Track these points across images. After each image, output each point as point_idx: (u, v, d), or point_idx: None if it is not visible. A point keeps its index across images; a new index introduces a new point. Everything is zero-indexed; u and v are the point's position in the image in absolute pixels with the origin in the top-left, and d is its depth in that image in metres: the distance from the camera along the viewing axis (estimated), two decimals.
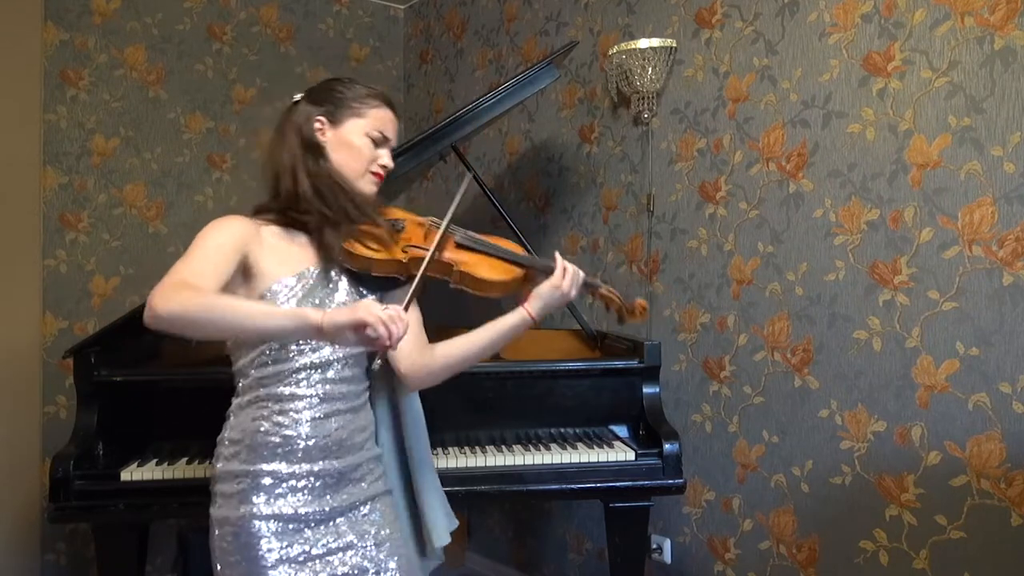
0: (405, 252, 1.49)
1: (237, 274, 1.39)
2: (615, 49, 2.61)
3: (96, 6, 3.15)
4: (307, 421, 1.40)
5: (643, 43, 2.56)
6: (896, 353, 2.10)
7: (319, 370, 1.42)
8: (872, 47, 2.15)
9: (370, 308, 1.21)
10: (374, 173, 1.50)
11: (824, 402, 2.26)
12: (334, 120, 1.48)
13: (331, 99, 1.49)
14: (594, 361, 2.41)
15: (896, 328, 2.10)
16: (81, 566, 3.07)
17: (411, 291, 1.40)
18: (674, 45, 2.61)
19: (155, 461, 2.05)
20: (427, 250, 1.47)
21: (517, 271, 1.55)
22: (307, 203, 1.44)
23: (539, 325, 1.56)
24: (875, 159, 2.14)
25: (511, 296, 1.57)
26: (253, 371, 1.43)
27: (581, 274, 1.54)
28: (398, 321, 1.22)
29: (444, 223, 1.51)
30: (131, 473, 1.98)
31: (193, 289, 1.24)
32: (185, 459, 2.06)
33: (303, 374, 1.41)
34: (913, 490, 2.07)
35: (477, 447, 2.17)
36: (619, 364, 2.26)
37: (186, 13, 3.36)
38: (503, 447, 2.17)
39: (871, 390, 2.15)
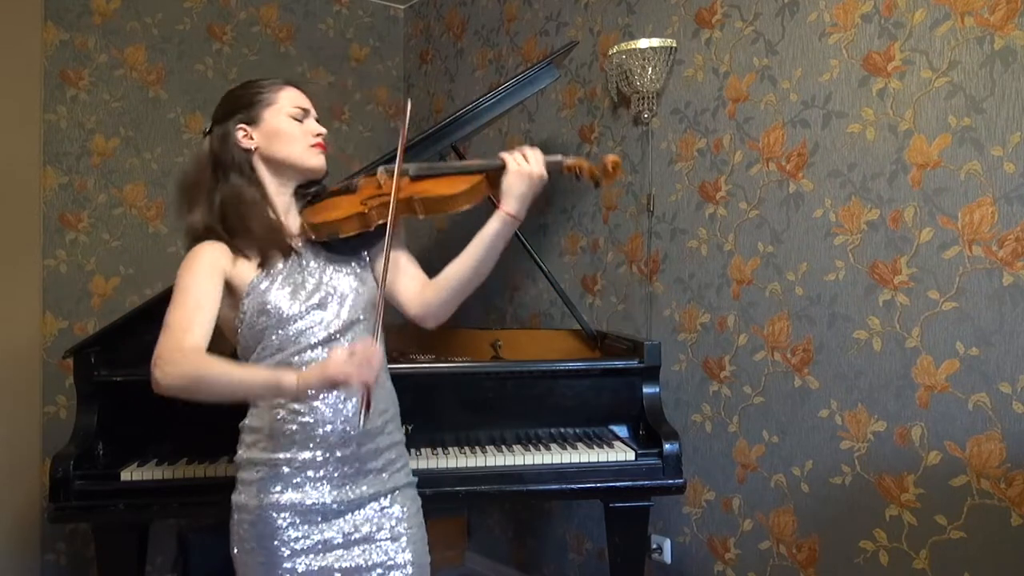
0: (364, 204, 1.48)
1: (225, 293, 1.42)
2: (615, 49, 2.61)
3: (96, 6, 3.15)
4: (324, 406, 1.41)
5: (643, 43, 2.56)
6: (896, 353, 2.10)
7: (326, 347, 1.43)
8: (872, 47, 2.15)
9: (338, 364, 1.22)
10: (315, 145, 1.49)
11: (824, 402, 2.26)
12: (252, 120, 1.47)
13: (239, 105, 1.48)
14: (594, 361, 2.41)
15: (896, 328, 2.10)
16: (81, 566, 3.07)
17: (384, 272, 1.40)
18: (674, 45, 2.61)
19: (155, 461, 2.05)
20: (386, 195, 1.46)
21: (476, 177, 1.50)
22: (226, 230, 1.45)
23: (524, 224, 1.51)
24: (875, 159, 2.14)
25: (483, 204, 1.53)
26: (267, 359, 1.44)
27: (539, 152, 1.48)
28: (370, 360, 1.23)
29: (396, 167, 1.49)
30: (131, 473, 1.98)
31: (181, 362, 1.30)
32: (185, 459, 2.06)
33: (310, 355, 1.42)
34: (913, 490, 2.07)
35: (477, 447, 2.17)
36: (619, 364, 2.26)
37: (186, 13, 3.36)
38: (503, 447, 2.17)
39: (871, 390, 2.15)
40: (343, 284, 1.48)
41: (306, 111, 1.51)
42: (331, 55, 3.76)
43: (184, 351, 1.31)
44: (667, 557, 2.69)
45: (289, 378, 1.25)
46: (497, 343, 2.62)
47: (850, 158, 2.20)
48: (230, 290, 1.43)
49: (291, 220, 1.52)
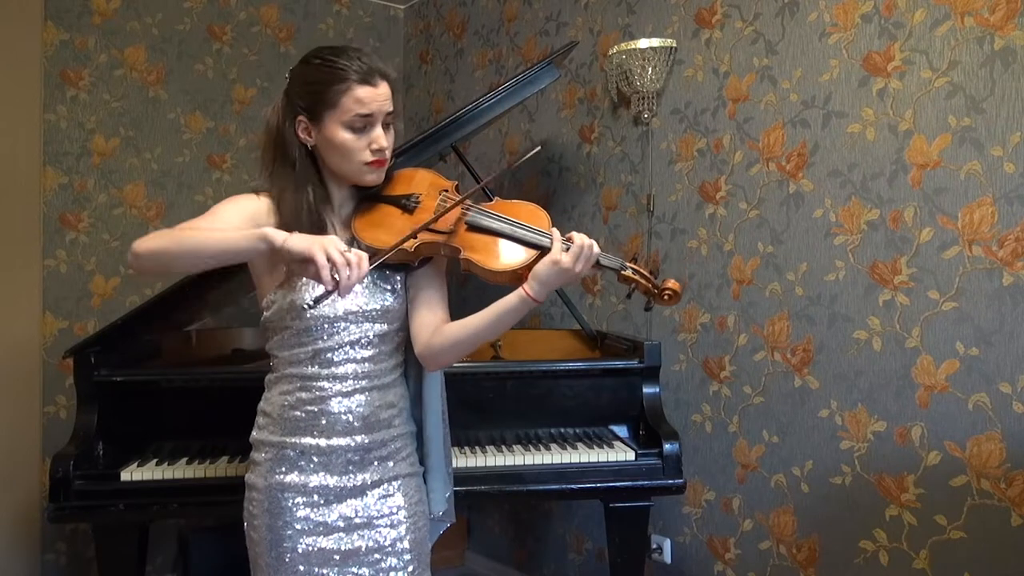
0: (415, 237, 1.40)
1: (263, 259, 1.38)
2: (615, 49, 2.61)
3: (96, 6, 3.15)
4: (329, 398, 1.41)
5: (643, 43, 2.56)
6: (896, 353, 2.10)
7: (342, 350, 1.42)
8: (872, 47, 2.15)
9: (326, 245, 1.17)
10: (370, 163, 1.40)
11: (824, 402, 2.26)
12: (314, 118, 1.39)
13: (307, 92, 1.39)
14: (594, 361, 2.41)
15: (896, 328, 2.10)
16: (81, 566, 3.07)
17: (388, 250, 1.34)
18: (674, 45, 2.61)
19: (155, 461, 2.06)
20: (438, 233, 1.41)
21: (532, 253, 1.39)
22: (283, 220, 1.39)
23: (541, 308, 1.46)
24: (875, 159, 2.14)
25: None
26: (278, 351, 1.45)
27: (596, 249, 1.38)
28: (352, 268, 1.17)
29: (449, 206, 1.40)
30: (131, 473, 1.98)
31: (159, 233, 1.26)
32: (185, 459, 2.06)
33: (326, 355, 1.42)
34: (913, 490, 2.07)
35: (477, 447, 2.17)
36: (619, 364, 2.26)
37: (186, 13, 3.36)
38: (503, 447, 2.17)
39: (871, 390, 2.15)
40: (379, 301, 1.44)
41: (369, 119, 1.37)
42: None
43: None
44: (667, 557, 2.69)
45: (276, 235, 1.21)
46: (497, 343, 2.61)
47: (850, 158, 2.20)
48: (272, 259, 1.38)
49: (343, 212, 1.48)
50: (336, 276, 1.17)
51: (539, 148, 1.55)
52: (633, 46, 2.57)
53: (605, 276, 2.93)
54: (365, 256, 1.21)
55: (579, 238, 1.37)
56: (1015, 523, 1.88)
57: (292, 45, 3.62)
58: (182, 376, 2.15)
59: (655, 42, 2.56)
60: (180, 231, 1.27)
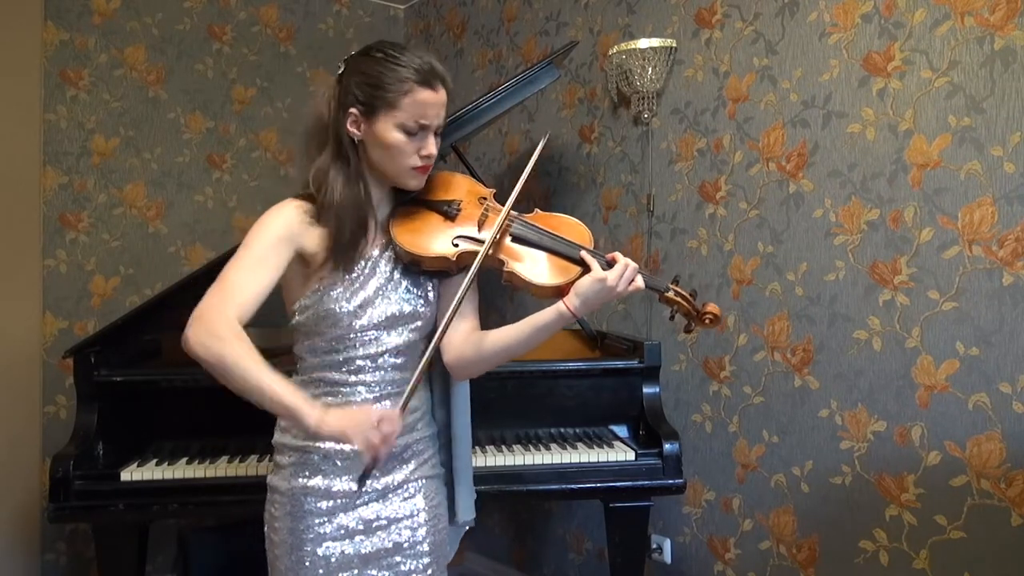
0: (455, 245, 1.41)
1: (295, 262, 1.38)
2: (615, 49, 2.61)
3: (96, 6, 3.15)
4: (356, 404, 1.42)
5: (643, 43, 2.56)
6: (896, 353, 2.10)
7: (371, 359, 1.43)
8: (872, 47, 2.15)
9: (361, 429, 1.21)
10: (417, 168, 1.39)
11: (824, 402, 2.26)
12: (368, 113, 1.36)
13: (366, 85, 1.36)
14: (594, 361, 2.41)
15: (896, 328, 2.10)
16: (81, 566, 3.07)
17: (441, 329, 1.35)
18: (674, 45, 2.61)
19: (155, 461, 2.06)
20: (480, 242, 1.39)
21: (574, 270, 1.41)
22: (327, 212, 1.38)
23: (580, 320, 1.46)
24: (875, 159, 2.14)
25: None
26: (308, 356, 1.45)
27: (635, 270, 1.41)
28: (390, 438, 1.23)
29: (498, 223, 1.39)
30: (131, 473, 1.98)
31: (217, 336, 1.25)
32: (185, 459, 2.06)
33: (357, 363, 1.42)
34: (913, 490, 2.07)
35: (477, 447, 2.17)
36: (619, 364, 2.26)
37: (186, 13, 3.36)
38: (503, 447, 2.17)
39: (871, 390, 2.15)
40: (412, 307, 1.45)
41: (424, 127, 1.36)
42: (331, 55, 3.75)
43: (227, 320, 1.26)
44: (667, 557, 2.69)
45: (310, 417, 1.24)
46: None
47: (850, 158, 2.20)
48: (304, 262, 1.39)
49: (380, 213, 1.46)
50: (372, 456, 1.23)
51: (548, 135, 1.56)
52: (633, 46, 2.57)
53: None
54: (397, 418, 1.26)
55: (622, 258, 1.40)
56: (1015, 523, 1.88)
57: (292, 45, 3.62)
58: (182, 376, 2.15)
59: (655, 42, 2.56)
60: (224, 353, 1.24)
